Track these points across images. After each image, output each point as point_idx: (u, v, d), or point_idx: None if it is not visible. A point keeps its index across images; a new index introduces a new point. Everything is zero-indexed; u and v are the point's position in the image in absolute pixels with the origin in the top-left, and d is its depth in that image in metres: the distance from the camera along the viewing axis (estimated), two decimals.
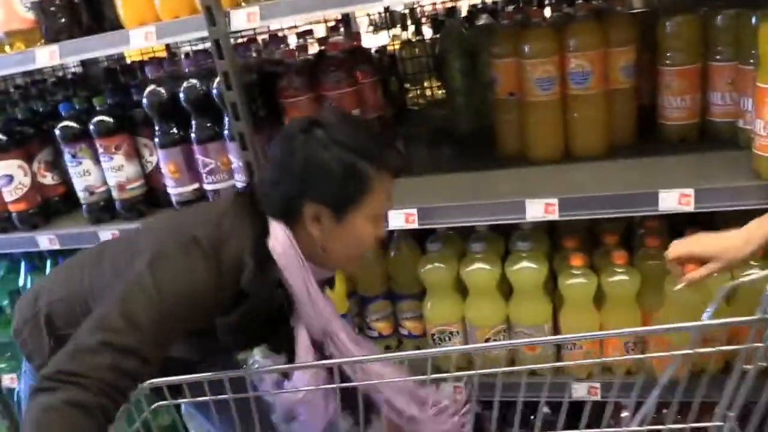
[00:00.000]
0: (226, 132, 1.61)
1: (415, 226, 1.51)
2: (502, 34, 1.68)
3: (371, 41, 3.15)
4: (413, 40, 2.79)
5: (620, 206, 1.36)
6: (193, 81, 1.62)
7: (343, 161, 1.10)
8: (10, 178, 1.87)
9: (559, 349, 1.63)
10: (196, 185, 1.72)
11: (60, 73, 2.94)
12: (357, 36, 1.95)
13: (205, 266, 1.08)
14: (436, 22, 2.78)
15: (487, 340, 1.62)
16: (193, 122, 1.65)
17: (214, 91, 1.58)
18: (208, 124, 1.64)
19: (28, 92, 2.44)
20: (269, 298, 1.17)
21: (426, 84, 2.74)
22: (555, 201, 1.40)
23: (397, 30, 3.05)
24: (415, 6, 3.07)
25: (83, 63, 2.69)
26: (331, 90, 1.60)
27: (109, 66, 2.70)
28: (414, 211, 1.50)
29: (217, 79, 1.54)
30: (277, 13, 1.46)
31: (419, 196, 1.59)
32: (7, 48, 1.72)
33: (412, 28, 2.93)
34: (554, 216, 1.41)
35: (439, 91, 2.63)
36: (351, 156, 1.10)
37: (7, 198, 1.89)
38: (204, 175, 1.68)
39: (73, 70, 2.94)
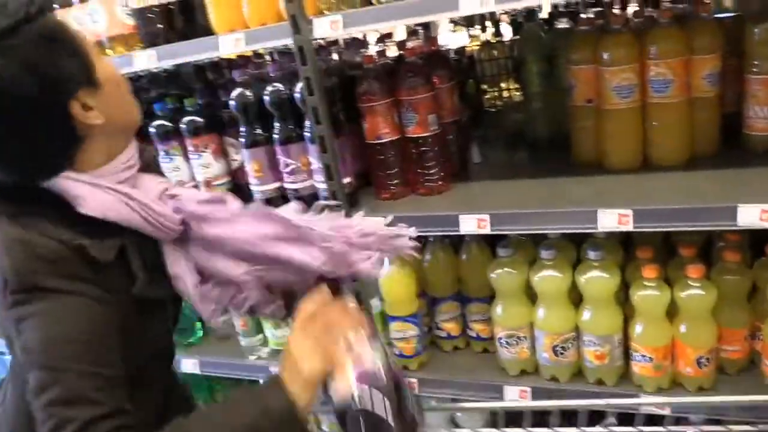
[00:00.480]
0: (306, 134, 1.67)
1: (487, 231, 1.54)
2: (580, 40, 1.67)
3: (450, 39, 3.16)
4: (492, 41, 2.78)
5: (696, 219, 1.34)
6: (277, 85, 1.70)
7: (38, 39, 0.93)
8: None
9: (627, 360, 1.61)
10: (277, 184, 1.80)
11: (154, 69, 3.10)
12: (435, 40, 1.98)
13: (68, 298, 0.95)
14: (515, 23, 2.76)
15: (554, 348, 1.63)
16: (276, 124, 1.72)
17: (297, 95, 1.65)
18: (290, 126, 1.71)
19: None
20: (138, 243, 1.05)
21: (504, 86, 2.73)
22: (629, 212, 1.39)
23: (476, 30, 3.05)
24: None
25: None
26: (408, 95, 1.64)
27: (199, 63, 2.83)
28: (486, 216, 1.53)
29: (300, 84, 1.61)
30: (359, 21, 1.51)
31: (492, 201, 1.62)
32: (109, 51, 1.85)
33: (491, 28, 2.92)
34: (628, 227, 1.40)
35: (517, 94, 2.62)
36: (33, 30, 0.92)
37: None
38: (285, 174, 1.76)
39: (165, 67, 3.10)
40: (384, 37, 2.14)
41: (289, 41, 1.56)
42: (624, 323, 1.59)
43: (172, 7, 1.81)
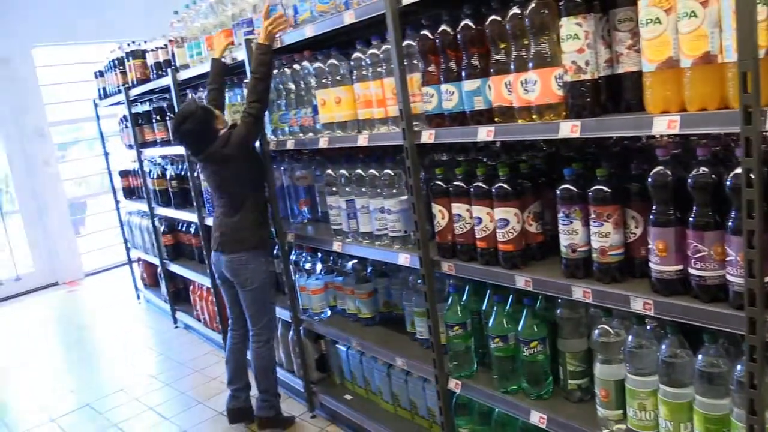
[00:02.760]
0: (729, 224, 1.61)
1: None
2: None
3: None
4: None
5: None
6: (704, 169, 1.66)
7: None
8: (506, 222, 2.19)
9: None
10: (680, 267, 1.75)
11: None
12: None
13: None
14: None
15: None
16: (695, 208, 1.69)
17: (727, 182, 1.59)
18: (710, 213, 1.66)
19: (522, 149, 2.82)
20: None
21: None
22: None
23: None
24: None
25: None
26: None
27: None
28: None
29: (734, 172, 1.56)
30: None
31: None
32: (535, 117, 2.00)
33: None
34: None
35: None
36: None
37: (499, 238, 2.23)
38: (693, 260, 1.71)
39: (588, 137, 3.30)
40: None
41: (734, 130, 1.52)
42: None
43: (600, 81, 1.90)
